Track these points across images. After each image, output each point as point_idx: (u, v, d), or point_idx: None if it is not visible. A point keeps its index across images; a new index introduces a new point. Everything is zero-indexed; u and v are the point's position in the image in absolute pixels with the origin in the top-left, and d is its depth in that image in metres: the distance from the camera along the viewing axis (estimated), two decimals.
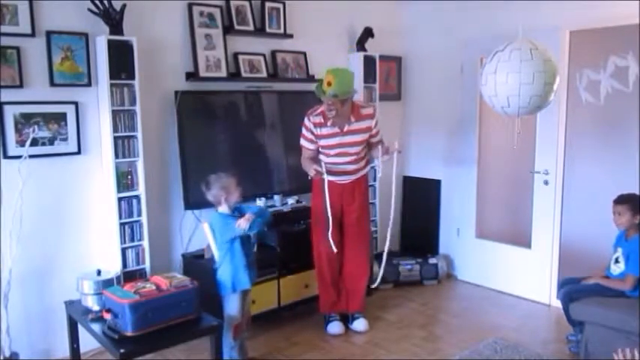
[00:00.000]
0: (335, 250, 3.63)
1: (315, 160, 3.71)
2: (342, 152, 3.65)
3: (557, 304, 4.24)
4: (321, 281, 3.87)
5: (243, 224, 3.06)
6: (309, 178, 3.65)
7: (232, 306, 3.20)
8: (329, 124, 3.59)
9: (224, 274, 3.18)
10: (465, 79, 4.79)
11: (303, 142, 3.72)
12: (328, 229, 3.60)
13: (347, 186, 3.74)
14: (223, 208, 3.21)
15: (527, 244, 4.51)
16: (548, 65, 2.84)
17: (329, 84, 3.37)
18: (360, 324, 3.91)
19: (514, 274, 4.59)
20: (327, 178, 3.63)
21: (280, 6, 4.27)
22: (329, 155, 3.69)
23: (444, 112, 5.03)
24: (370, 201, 4.47)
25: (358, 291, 3.90)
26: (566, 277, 3.72)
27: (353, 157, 3.68)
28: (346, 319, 3.94)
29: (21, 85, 3.19)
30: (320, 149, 3.71)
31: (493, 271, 4.75)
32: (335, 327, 3.85)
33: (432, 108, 5.15)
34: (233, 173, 3.25)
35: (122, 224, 3.49)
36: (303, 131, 3.69)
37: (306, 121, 3.66)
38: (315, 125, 3.63)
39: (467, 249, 4.96)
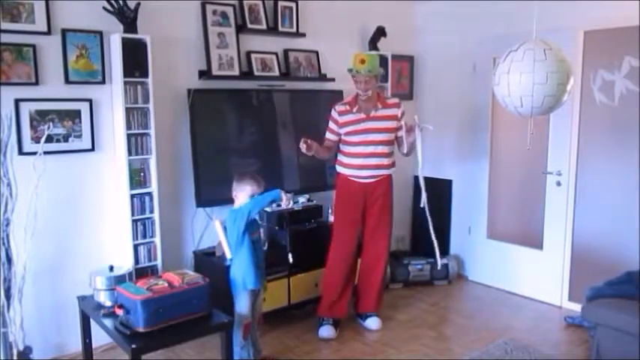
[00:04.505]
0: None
1: (329, 149, 3.77)
2: (366, 140, 3.64)
3: (569, 305, 4.23)
4: (328, 283, 3.82)
5: (286, 202, 3.22)
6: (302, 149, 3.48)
7: (242, 304, 3.21)
8: (355, 110, 3.66)
9: (236, 272, 3.20)
10: (477, 78, 4.77)
11: (327, 133, 3.81)
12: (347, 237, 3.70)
13: (369, 185, 3.71)
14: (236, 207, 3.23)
15: (538, 245, 4.48)
16: (562, 65, 2.82)
17: (362, 61, 3.54)
18: (372, 322, 3.91)
19: (525, 275, 4.56)
20: (345, 172, 3.69)
21: (293, 5, 4.28)
22: (352, 144, 3.68)
23: (456, 112, 5.02)
24: None
25: (372, 291, 3.89)
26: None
27: (377, 148, 3.65)
28: (353, 318, 3.94)
29: (36, 83, 3.23)
30: (343, 137, 3.72)
31: (504, 272, 4.72)
32: (326, 330, 3.77)
33: (444, 108, 5.13)
34: (257, 178, 3.21)
35: (134, 221, 3.52)
36: (329, 123, 3.78)
37: (332, 111, 3.76)
38: (340, 113, 3.71)
39: (478, 249, 4.94)
